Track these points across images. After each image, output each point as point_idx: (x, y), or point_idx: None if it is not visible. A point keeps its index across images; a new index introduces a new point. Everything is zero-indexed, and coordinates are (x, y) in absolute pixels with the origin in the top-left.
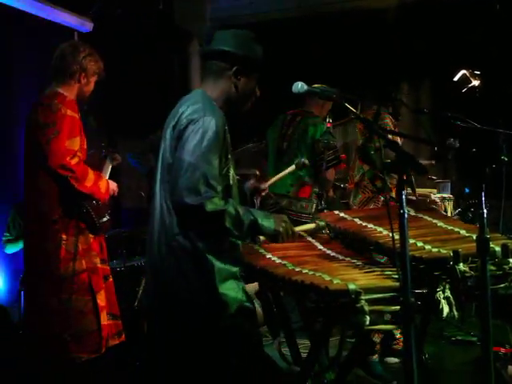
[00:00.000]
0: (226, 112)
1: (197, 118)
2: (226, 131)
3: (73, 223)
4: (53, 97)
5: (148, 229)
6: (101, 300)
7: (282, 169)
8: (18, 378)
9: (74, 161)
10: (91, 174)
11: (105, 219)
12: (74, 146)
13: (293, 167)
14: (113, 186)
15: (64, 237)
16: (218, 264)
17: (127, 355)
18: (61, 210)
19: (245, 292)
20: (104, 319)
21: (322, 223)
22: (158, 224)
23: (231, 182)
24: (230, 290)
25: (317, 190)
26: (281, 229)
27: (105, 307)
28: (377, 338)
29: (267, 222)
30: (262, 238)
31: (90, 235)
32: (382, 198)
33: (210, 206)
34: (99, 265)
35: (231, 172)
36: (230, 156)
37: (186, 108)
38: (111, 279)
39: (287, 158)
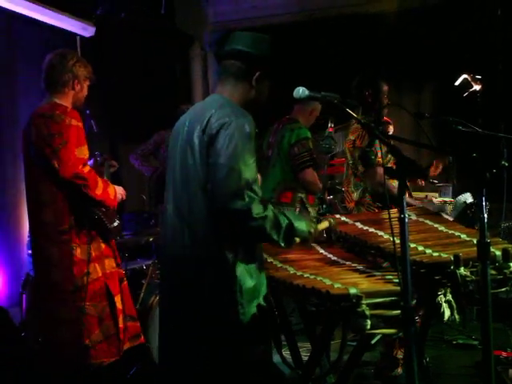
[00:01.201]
0: None
1: (229, 121)
2: (256, 133)
3: (84, 231)
4: (53, 108)
5: (164, 234)
6: (118, 303)
7: (268, 175)
8: (20, 380)
9: (86, 169)
10: (100, 182)
11: (116, 224)
12: (83, 154)
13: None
14: (120, 190)
15: (76, 245)
16: (246, 284)
17: (129, 359)
18: (70, 219)
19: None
20: (121, 322)
21: (332, 221)
22: (185, 233)
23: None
24: (253, 309)
25: (301, 195)
26: (312, 230)
27: (122, 310)
28: (400, 354)
29: (301, 225)
30: (297, 240)
31: (101, 241)
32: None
33: (256, 211)
34: (115, 269)
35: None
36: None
37: (214, 112)
38: (126, 282)
39: (271, 165)
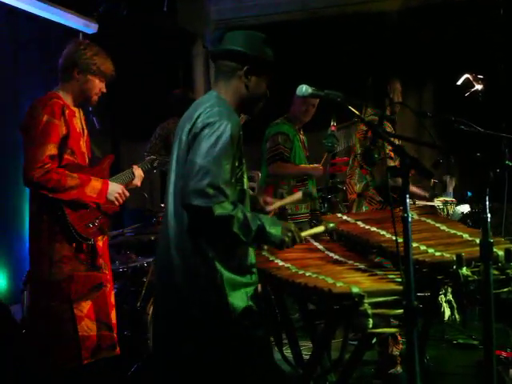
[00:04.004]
0: (239, 113)
1: (212, 121)
2: (240, 136)
3: (55, 229)
4: (43, 98)
5: (160, 229)
6: (79, 310)
7: (261, 174)
8: (20, 377)
9: (39, 173)
10: (73, 180)
11: (91, 225)
12: (41, 154)
13: (299, 195)
14: (115, 188)
15: (46, 241)
16: (226, 274)
17: (129, 356)
18: (45, 215)
19: (254, 298)
20: (86, 330)
21: (331, 224)
22: (173, 227)
23: (245, 186)
24: (239, 299)
25: (282, 190)
26: (286, 238)
27: (86, 317)
28: (396, 351)
29: (274, 230)
30: (265, 247)
31: (71, 241)
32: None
33: (218, 211)
34: (84, 272)
35: (245, 177)
36: (244, 161)
37: (203, 111)
38: (105, 287)
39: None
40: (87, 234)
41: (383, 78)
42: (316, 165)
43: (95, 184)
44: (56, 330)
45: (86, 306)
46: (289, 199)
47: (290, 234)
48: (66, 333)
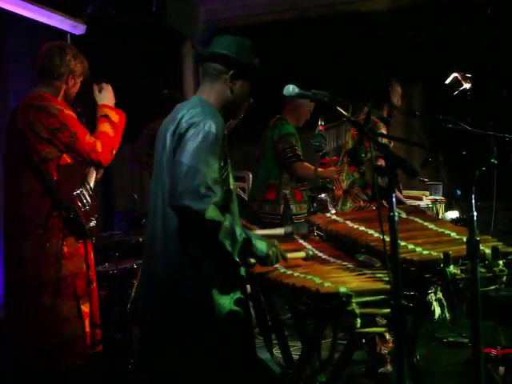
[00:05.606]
0: (222, 117)
1: (197, 121)
2: (225, 136)
3: (59, 227)
4: (41, 98)
5: (146, 232)
6: (85, 306)
7: (256, 174)
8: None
9: (99, 147)
10: (109, 129)
11: (92, 224)
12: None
13: (281, 232)
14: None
15: (48, 240)
16: (214, 276)
17: (118, 358)
18: (46, 213)
19: (241, 300)
20: (87, 326)
21: (311, 252)
22: (159, 229)
23: (231, 186)
24: (225, 301)
25: (285, 191)
26: (271, 253)
27: (88, 314)
28: (385, 350)
29: (260, 244)
30: (252, 260)
31: (75, 238)
32: (374, 208)
33: (209, 213)
34: (85, 270)
35: (231, 177)
36: (229, 161)
37: (186, 112)
38: (95, 284)
39: (258, 165)
40: (91, 233)
41: (385, 80)
42: (332, 168)
43: (106, 126)
44: (65, 328)
45: (87, 303)
46: (269, 232)
47: (274, 249)
48: (76, 330)
